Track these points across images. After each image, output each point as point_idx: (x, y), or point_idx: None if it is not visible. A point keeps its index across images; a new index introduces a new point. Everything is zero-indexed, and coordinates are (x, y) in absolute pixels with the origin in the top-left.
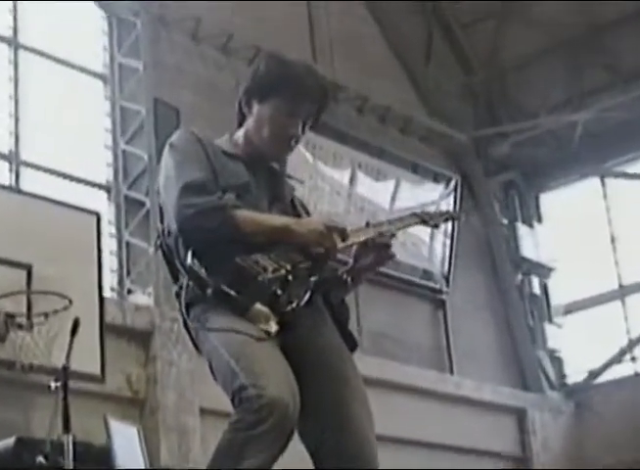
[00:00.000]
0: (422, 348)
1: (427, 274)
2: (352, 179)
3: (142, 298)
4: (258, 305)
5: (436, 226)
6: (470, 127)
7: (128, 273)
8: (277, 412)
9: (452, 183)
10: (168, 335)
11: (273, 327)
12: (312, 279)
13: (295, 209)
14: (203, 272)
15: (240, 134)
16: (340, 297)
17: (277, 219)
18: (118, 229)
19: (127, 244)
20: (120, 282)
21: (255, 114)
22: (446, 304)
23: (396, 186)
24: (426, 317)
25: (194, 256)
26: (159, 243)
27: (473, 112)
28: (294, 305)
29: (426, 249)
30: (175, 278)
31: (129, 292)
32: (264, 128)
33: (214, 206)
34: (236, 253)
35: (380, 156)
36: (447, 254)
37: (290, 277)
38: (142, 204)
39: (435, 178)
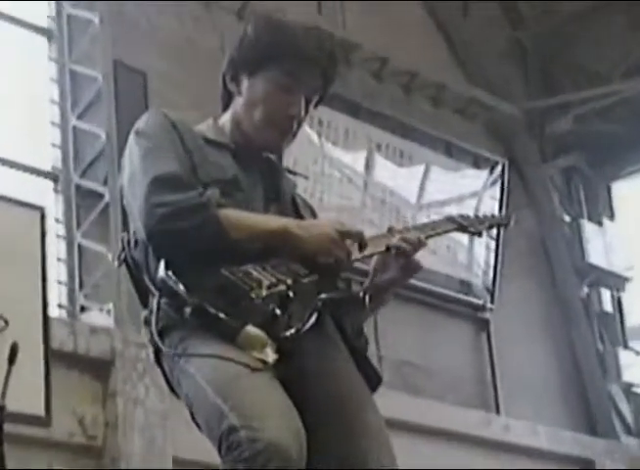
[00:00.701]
0: (459, 381)
1: (465, 286)
2: (369, 164)
3: (99, 317)
4: (251, 329)
5: (479, 234)
6: (520, 97)
7: (81, 286)
8: (276, 459)
9: (498, 169)
10: (133, 365)
11: (270, 355)
12: (320, 297)
13: (296, 209)
14: (180, 288)
15: (226, 118)
16: (357, 324)
17: (274, 221)
18: (69, 229)
19: (80, 248)
20: (71, 297)
21: (245, 91)
22: (490, 324)
23: (426, 173)
24: (464, 342)
25: (168, 268)
26: (123, 256)
27: (524, 77)
28: (295, 328)
29: (464, 253)
30: (144, 300)
31: (83, 310)
32: (257, 109)
33: (193, 204)
34: (222, 263)
35: (404, 134)
36: (492, 260)
37: (291, 294)
38: (99, 196)
39: (476, 163)
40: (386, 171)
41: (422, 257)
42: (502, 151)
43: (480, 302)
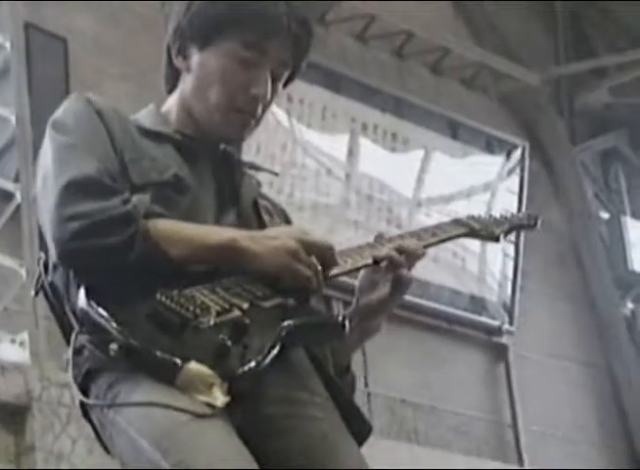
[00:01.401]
0: (470, 424)
1: (477, 303)
2: (352, 150)
3: (10, 351)
4: (194, 366)
5: (496, 240)
6: (544, 63)
7: None
8: None
9: (516, 154)
10: (55, 411)
11: (219, 398)
12: (284, 324)
13: (258, 216)
14: (104, 321)
15: (171, 102)
16: (340, 358)
17: (219, 233)
18: None
19: None
20: None
21: (196, 68)
22: (509, 351)
23: (425, 160)
24: (476, 373)
25: (89, 296)
26: (40, 283)
27: (549, 37)
28: (252, 363)
29: (474, 262)
30: (68, 337)
31: None
32: (211, 89)
33: (114, 214)
34: (157, 286)
35: (397, 111)
36: (510, 270)
37: (247, 321)
38: (8, 196)
39: (489, 146)
40: (373, 159)
41: (420, 267)
42: (521, 131)
43: (496, 323)
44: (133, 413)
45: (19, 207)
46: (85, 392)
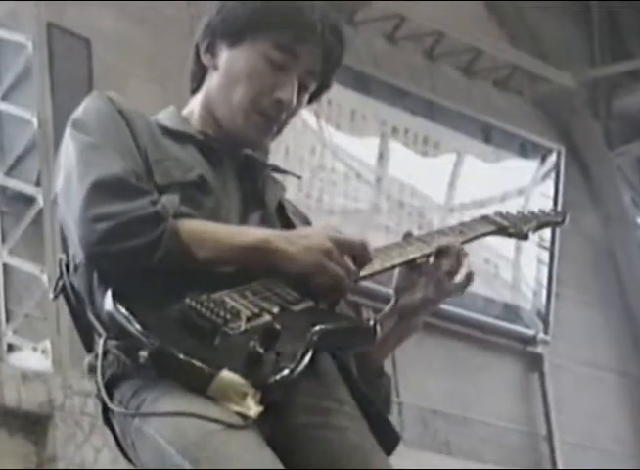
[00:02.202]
0: (504, 435)
1: (510, 312)
2: (383, 154)
3: (33, 358)
4: (227, 375)
5: (524, 237)
6: (581, 64)
7: (8, 318)
8: None
9: (551, 158)
10: (78, 421)
11: (253, 408)
12: (315, 329)
13: (284, 218)
14: (133, 326)
15: (196, 102)
16: (378, 364)
17: (252, 233)
18: None
19: (5, 268)
20: None
21: (223, 64)
22: (544, 361)
23: (457, 165)
24: (510, 384)
25: (116, 299)
26: (60, 285)
27: (585, 37)
28: (286, 371)
29: (508, 269)
30: (89, 342)
31: (10, 349)
32: (236, 89)
33: (143, 215)
34: (187, 290)
35: (427, 113)
36: (544, 277)
37: (277, 326)
38: (30, 200)
39: (523, 150)
40: (404, 164)
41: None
42: (556, 134)
43: (531, 332)
44: (161, 422)
45: (40, 211)
46: (108, 398)
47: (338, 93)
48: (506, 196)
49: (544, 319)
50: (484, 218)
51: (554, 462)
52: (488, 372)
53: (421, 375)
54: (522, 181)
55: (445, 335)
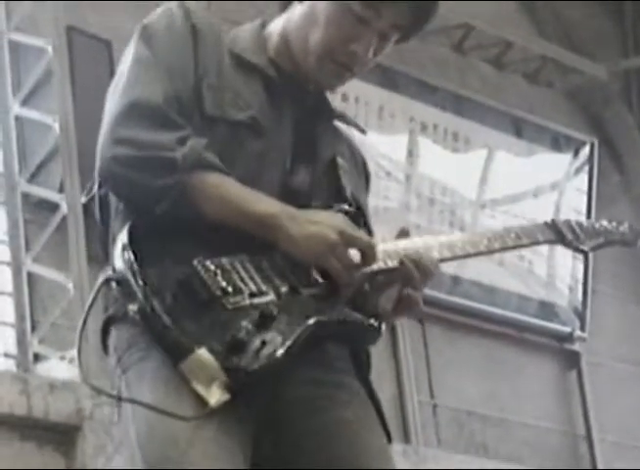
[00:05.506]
0: (542, 436)
1: (546, 309)
2: (412, 150)
3: (60, 368)
4: (204, 354)
5: (584, 253)
6: (614, 55)
7: (34, 327)
8: None
9: (584, 151)
10: (107, 431)
11: (215, 396)
12: (309, 322)
13: (334, 177)
14: (134, 276)
15: (276, 27)
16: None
17: (262, 205)
18: (15, 252)
19: (30, 277)
20: (21, 342)
21: (308, 2)
22: (582, 358)
23: (488, 160)
24: (547, 383)
25: (132, 236)
26: (92, 192)
27: (617, 28)
28: (260, 364)
29: (543, 266)
30: (106, 253)
31: (37, 359)
32: (314, 30)
33: (163, 157)
34: (200, 246)
35: (458, 109)
36: (580, 273)
37: (274, 312)
38: (53, 207)
39: (556, 143)
40: (434, 160)
41: (489, 270)
42: (590, 127)
43: (568, 329)
44: (137, 408)
45: (64, 218)
46: (105, 333)
47: (365, 89)
48: (539, 191)
49: (581, 316)
50: (548, 224)
51: (594, 462)
52: (524, 371)
53: (455, 375)
54: (555, 175)
55: (479, 334)
